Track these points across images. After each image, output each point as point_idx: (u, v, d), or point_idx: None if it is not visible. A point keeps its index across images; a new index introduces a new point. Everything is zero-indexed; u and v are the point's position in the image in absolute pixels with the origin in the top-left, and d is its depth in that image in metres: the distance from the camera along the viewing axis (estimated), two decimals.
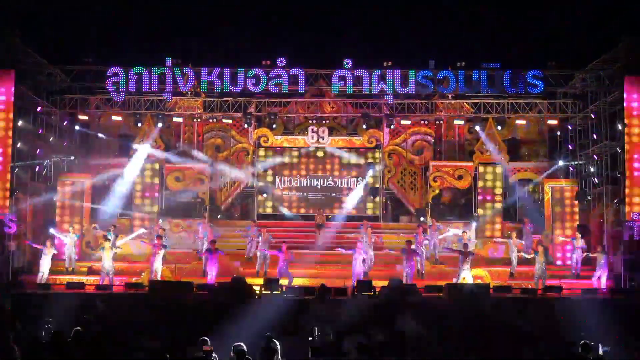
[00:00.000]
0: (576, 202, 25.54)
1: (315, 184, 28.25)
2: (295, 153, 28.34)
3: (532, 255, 21.73)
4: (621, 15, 23.01)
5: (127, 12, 24.06)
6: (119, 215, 25.77)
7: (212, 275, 20.78)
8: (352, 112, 27.46)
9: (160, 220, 24.98)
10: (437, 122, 27.60)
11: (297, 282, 21.13)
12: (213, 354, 10.97)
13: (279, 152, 28.28)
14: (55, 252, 21.87)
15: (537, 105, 26.28)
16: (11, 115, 22.14)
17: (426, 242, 23.30)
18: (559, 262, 24.46)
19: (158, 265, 21.11)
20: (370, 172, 28.01)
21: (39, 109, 25.00)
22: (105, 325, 13.22)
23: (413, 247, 21.73)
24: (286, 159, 28.31)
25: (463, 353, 10.92)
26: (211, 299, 18.59)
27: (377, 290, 19.45)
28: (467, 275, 20.72)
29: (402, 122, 27.00)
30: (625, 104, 22.48)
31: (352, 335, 11.66)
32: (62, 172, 26.19)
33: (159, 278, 20.89)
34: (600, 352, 11.80)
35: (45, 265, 21.28)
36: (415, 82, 24.52)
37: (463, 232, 23.62)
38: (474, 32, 24.43)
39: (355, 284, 20.16)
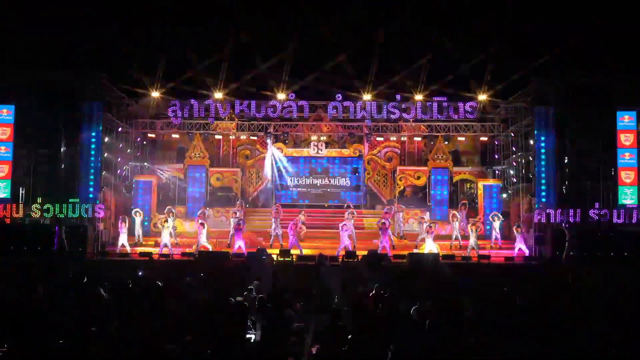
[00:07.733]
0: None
1: (315, 182, 28.42)
2: (302, 160, 28.49)
3: (468, 234, 22.13)
4: (531, 59, 23.48)
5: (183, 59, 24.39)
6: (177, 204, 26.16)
7: (239, 246, 21.03)
8: (342, 131, 27.75)
9: (207, 208, 25.22)
10: (402, 138, 27.94)
11: (304, 252, 21.46)
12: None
13: (290, 159, 28.49)
14: (127, 235, 22.02)
15: (473, 126, 26.64)
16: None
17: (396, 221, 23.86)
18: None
19: (203, 240, 21.48)
20: (354, 174, 28.29)
21: (119, 129, 25.43)
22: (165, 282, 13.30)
23: (385, 226, 22.11)
24: (295, 164, 28.48)
25: (420, 302, 11.09)
26: (242, 264, 18.91)
27: (359, 258, 19.73)
28: (432, 246, 20.80)
29: (377, 138, 27.43)
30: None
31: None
32: (136, 174, 26.59)
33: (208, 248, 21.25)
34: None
35: (122, 240, 21.58)
36: (386, 110, 24.88)
37: (429, 225, 22.07)
38: (428, 74, 24.72)
39: (344, 253, 20.52)
